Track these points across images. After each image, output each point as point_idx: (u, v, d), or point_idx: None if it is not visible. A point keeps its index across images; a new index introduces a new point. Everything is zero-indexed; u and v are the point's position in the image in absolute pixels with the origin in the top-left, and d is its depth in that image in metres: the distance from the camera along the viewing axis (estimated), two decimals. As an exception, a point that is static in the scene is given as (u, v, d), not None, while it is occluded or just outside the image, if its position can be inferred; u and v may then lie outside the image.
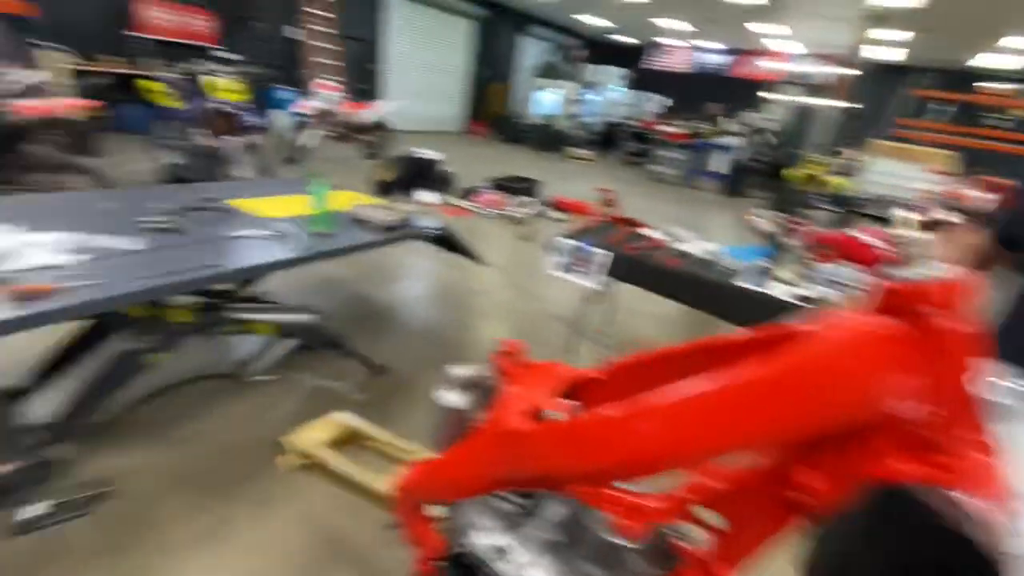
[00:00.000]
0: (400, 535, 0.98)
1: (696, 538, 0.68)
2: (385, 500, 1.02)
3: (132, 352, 1.47)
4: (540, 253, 3.88)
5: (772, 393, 0.51)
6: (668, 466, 0.58)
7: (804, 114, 10.34)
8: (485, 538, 0.80)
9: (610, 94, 12.44)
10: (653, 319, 3.31)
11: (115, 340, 1.50)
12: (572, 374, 0.79)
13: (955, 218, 3.99)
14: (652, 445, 0.56)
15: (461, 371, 0.86)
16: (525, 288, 3.61)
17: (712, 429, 0.54)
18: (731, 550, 0.63)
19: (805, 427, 0.50)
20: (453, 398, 0.85)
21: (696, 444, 0.55)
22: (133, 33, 6.29)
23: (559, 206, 5.51)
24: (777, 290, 1.94)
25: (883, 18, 7.24)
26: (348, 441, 1.24)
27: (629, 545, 0.71)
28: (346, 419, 1.26)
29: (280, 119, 6.48)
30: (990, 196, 5.51)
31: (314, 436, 1.20)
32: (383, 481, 1.05)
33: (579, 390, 0.78)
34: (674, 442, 0.55)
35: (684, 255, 2.23)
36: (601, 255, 2.19)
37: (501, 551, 0.78)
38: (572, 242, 2.25)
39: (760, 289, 1.95)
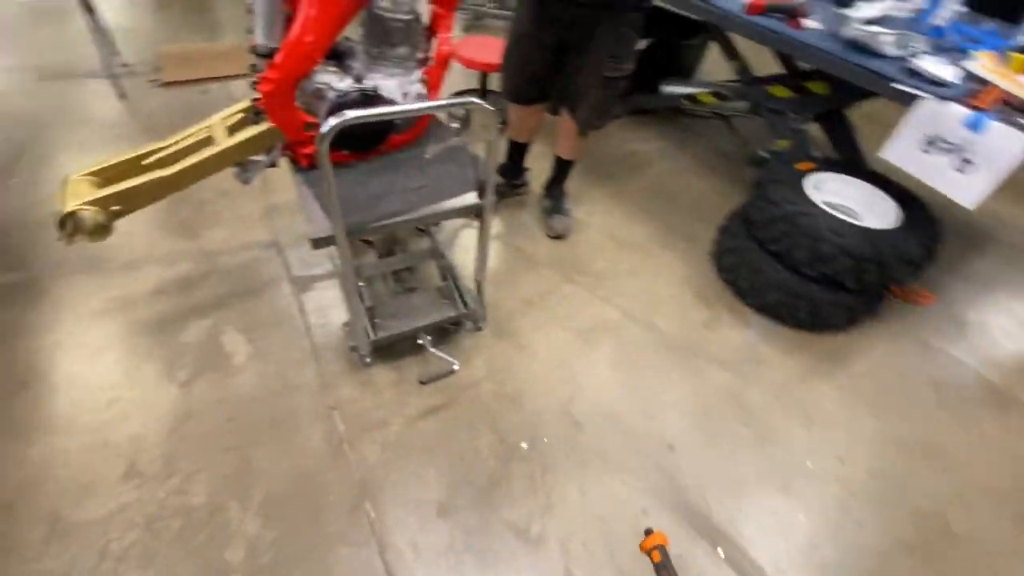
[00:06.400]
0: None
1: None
2: (243, 148, 1.24)
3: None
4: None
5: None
6: None
7: None
8: (343, 83, 1.20)
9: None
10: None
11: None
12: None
13: None
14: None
15: None
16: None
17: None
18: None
19: None
20: None
21: None
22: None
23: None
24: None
25: None
26: (125, 174, 1.24)
27: (409, 16, 1.17)
28: (96, 163, 1.23)
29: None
30: None
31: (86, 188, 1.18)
32: (223, 138, 1.24)
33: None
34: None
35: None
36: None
37: (359, 77, 1.21)
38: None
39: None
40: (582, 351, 1.75)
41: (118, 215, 1.17)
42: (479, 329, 1.71)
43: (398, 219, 1.20)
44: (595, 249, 2.15)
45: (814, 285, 1.76)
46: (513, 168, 2.24)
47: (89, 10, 2.42)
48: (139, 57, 3.05)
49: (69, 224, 1.12)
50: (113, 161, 1.24)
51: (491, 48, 2.38)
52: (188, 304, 1.76)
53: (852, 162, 2.21)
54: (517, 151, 2.18)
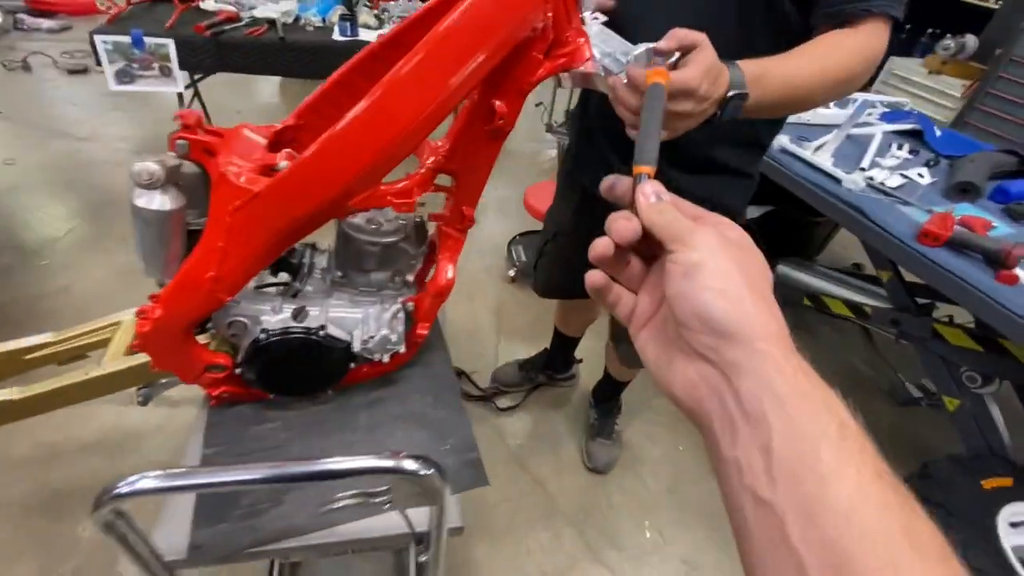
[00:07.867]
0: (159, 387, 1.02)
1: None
2: (124, 378, 0.97)
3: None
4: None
5: (462, 39, 0.62)
6: (411, 141, 0.68)
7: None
8: (276, 317, 0.81)
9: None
10: (254, 112, 3.44)
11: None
12: (266, 131, 0.78)
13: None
14: (393, 131, 0.64)
15: (151, 165, 0.67)
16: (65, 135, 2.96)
17: (430, 91, 0.63)
18: (467, 193, 0.85)
19: (490, 58, 0.64)
20: (158, 199, 0.69)
21: (423, 106, 0.64)
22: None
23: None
24: (367, 35, 2.36)
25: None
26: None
27: (392, 239, 0.81)
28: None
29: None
30: None
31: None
32: (110, 361, 0.96)
33: (280, 142, 0.78)
34: (410, 112, 0.64)
35: (269, 22, 2.34)
36: (168, 46, 2.12)
37: (300, 311, 0.81)
38: (110, 39, 2.08)
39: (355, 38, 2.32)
40: None
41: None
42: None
43: (289, 544, 0.74)
44: (644, 505, 1.53)
45: None
46: (559, 359, 1.76)
47: (180, 94, 2.43)
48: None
49: None
50: (-7, 351, 0.95)
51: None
52: (117, 470, 1.43)
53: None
54: (565, 343, 1.70)
